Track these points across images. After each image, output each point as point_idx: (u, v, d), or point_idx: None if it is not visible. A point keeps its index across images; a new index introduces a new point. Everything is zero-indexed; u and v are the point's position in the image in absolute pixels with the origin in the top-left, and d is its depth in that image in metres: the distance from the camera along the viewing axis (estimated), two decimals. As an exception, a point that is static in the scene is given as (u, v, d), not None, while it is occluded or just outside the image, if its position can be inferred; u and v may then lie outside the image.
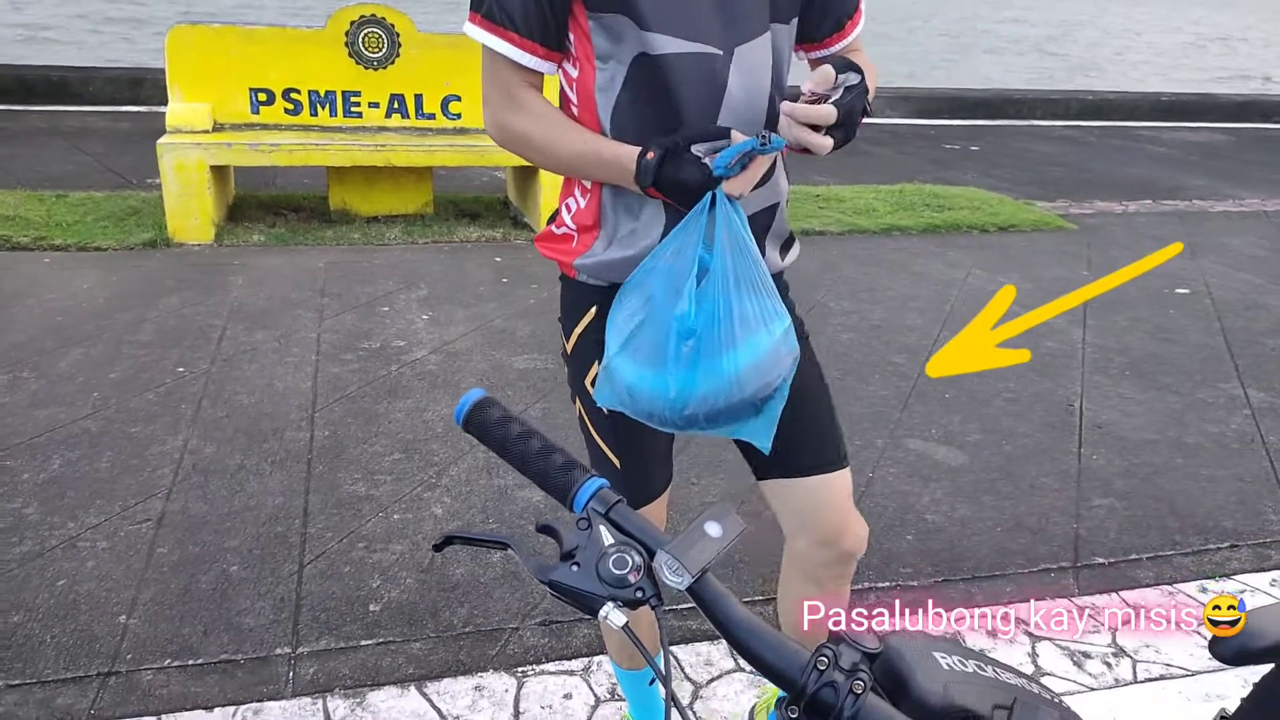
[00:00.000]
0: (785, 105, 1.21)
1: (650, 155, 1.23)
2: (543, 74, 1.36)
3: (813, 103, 1.20)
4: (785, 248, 1.54)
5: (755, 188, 1.30)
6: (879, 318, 4.02)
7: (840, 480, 1.49)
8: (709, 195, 1.22)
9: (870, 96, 1.29)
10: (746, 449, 1.49)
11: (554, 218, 1.48)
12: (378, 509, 2.49)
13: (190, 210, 4.40)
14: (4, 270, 3.96)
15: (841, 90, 1.22)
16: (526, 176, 5.07)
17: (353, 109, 4.91)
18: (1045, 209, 5.95)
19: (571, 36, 1.33)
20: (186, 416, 2.88)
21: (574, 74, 1.35)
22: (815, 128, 1.19)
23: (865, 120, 1.28)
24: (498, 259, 4.53)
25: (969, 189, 6.30)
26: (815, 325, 3.88)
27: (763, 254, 1.43)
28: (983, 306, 4.19)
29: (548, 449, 0.87)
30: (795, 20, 1.37)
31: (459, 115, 5.04)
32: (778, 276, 1.51)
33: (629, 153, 1.26)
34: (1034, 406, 3.28)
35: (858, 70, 1.25)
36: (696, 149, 1.23)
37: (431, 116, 5.01)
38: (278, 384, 3.12)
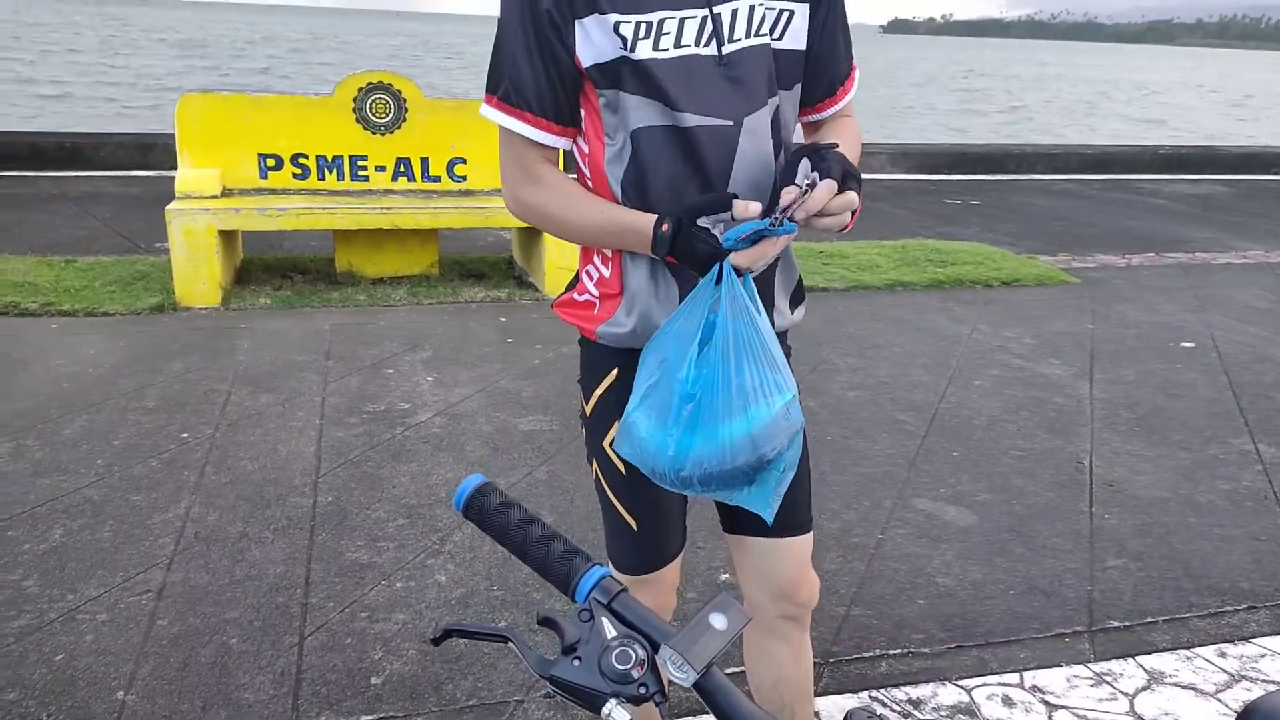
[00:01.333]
0: (796, 213, 1.23)
1: (665, 227, 1.27)
2: (557, 150, 1.40)
3: (807, 190, 1.22)
4: (795, 300, 1.54)
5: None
6: (885, 374, 4.01)
7: (804, 543, 1.55)
8: (717, 267, 1.24)
9: (853, 161, 1.33)
10: (720, 501, 1.53)
11: (574, 284, 1.50)
12: (380, 577, 2.46)
13: (198, 275, 4.44)
14: (11, 337, 3.98)
15: (814, 170, 1.24)
16: (531, 237, 5.12)
17: (359, 173, 4.98)
18: (1048, 263, 5.97)
19: (583, 113, 1.37)
20: (189, 483, 2.86)
21: (585, 149, 1.38)
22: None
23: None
24: (502, 319, 4.55)
25: (971, 244, 6.33)
26: (821, 382, 3.88)
27: (772, 305, 1.45)
28: (987, 363, 4.18)
29: (548, 536, 0.86)
30: (798, 86, 1.41)
31: (464, 177, 5.10)
32: (784, 335, 1.52)
33: (645, 222, 1.30)
34: (1043, 464, 3.26)
35: (824, 148, 1.28)
36: (702, 222, 1.26)
37: (437, 179, 5.07)
38: (281, 449, 3.11)
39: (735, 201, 1.24)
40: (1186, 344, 4.55)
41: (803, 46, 1.38)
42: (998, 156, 10.25)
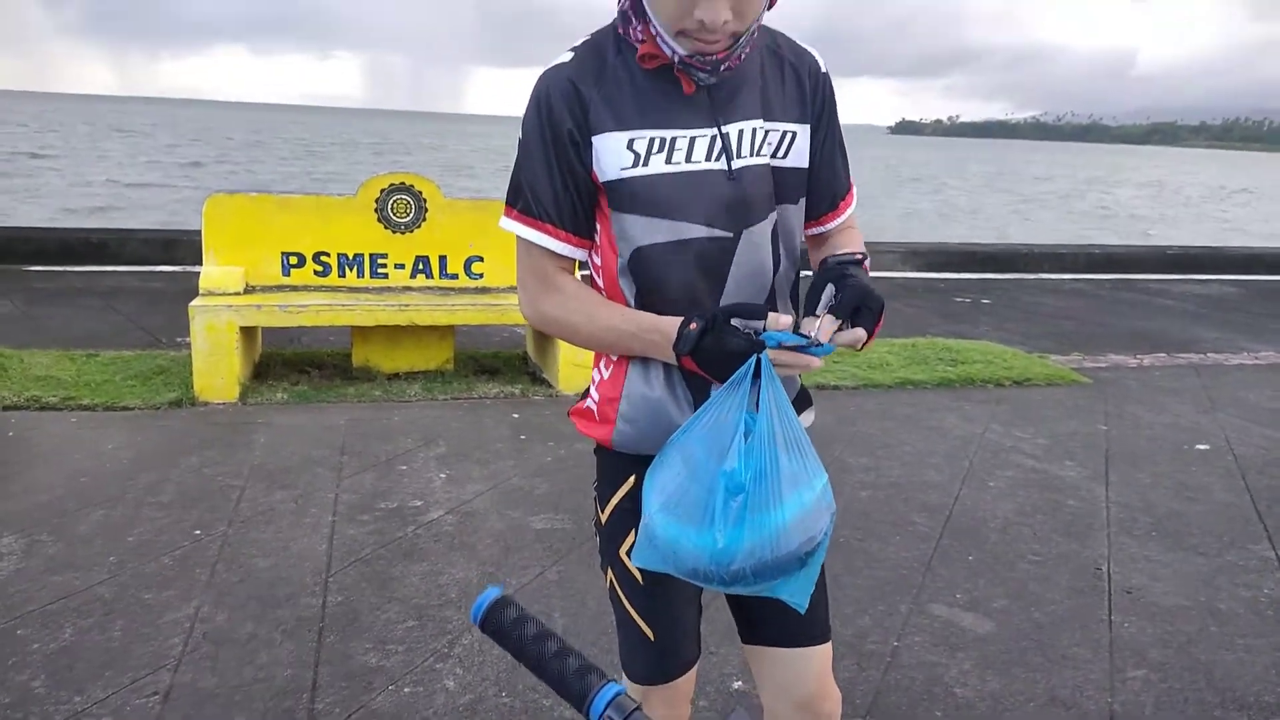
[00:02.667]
0: (824, 338, 1.29)
1: (693, 326, 1.31)
2: (574, 260, 1.46)
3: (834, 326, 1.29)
4: (799, 405, 1.57)
5: None
6: (897, 475, 3.99)
7: (824, 653, 1.55)
8: (752, 362, 1.29)
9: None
10: (738, 611, 1.56)
11: (586, 391, 1.54)
12: (388, 681, 2.43)
13: (218, 370, 4.51)
14: (32, 430, 4.03)
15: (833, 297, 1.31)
16: (545, 334, 5.19)
17: (379, 270, 5.09)
18: (1059, 362, 6.00)
19: (597, 224, 1.43)
20: (201, 582, 2.86)
21: (599, 260, 1.44)
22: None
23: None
24: (515, 415, 4.58)
25: (982, 342, 6.37)
26: (833, 482, 3.84)
27: None
28: (1001, 464, 4.17)
29: (563, 652, 0.87)
30: (802, 200, 1.48)
31: (481, 275, 5.20)
32: None
33: (670, 322, 1.34)
34: (1060, 569, 3.22)
35: (850, 278, 1.34)
36: (735, 322, 1.31)
37: (455, 276, 5.18)
38: (293, 546, 3.11)
39: (770, 315, 1.30)
40: (1201, 446, 4.53)
41: (805, 164, 1.46)
42: (1006, 256, 10.38)
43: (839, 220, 1.56)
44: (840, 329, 1.29)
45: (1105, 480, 4.05)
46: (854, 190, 1.59)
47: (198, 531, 3.17)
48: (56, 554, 2.97)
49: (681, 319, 1.33)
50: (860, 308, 1.28)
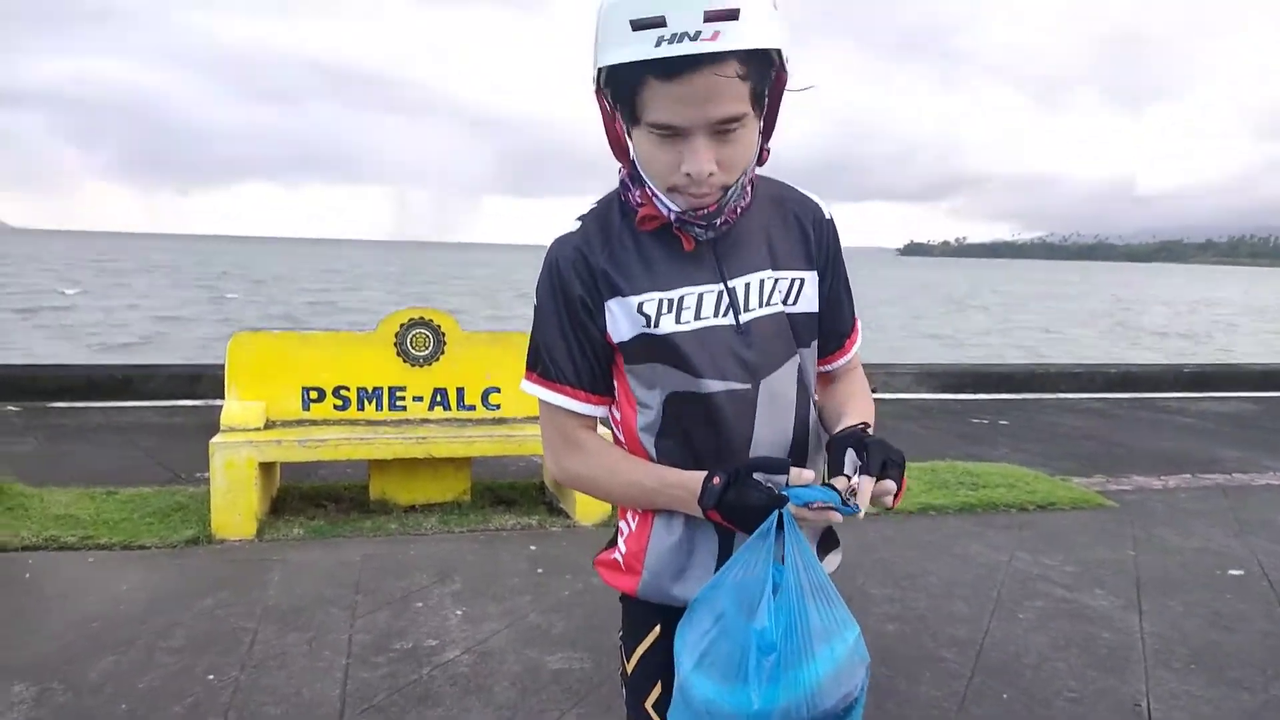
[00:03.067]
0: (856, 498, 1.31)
1: (716, 480, 1.32)
2: (595, 418, 1.50)
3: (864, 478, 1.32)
4: (824, 548, 1.56)
5: None
6: (923, 606, 3.90)
7: None
8: (774, 516, 1.29)
9: (868, 410, 1.46)
10: None
11: (612, 541, 1.54)
12: (402, 838, 2.33)
13: (235, 506, 4.50)
14: (47, 572, 4.01)
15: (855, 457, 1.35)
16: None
17: (397, 403, 5.13)
18: (1082, 485, 5.92)
19: (615, 383, 1.46)
20: (211, 730, 2.78)
21: (619, 416, 1.47)
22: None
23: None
24: (532, 547, 4.53)
25: (1003, 465, 6.31)
26: (857, 614, 3.73)
27: None
28: (1030, 593, 4.07)
29: None
30: (815, 342, 1.51)
31: (498, 406, 5.24)
32: None
33: (693, 477, 1.36)
34: (1098, 707, 3.09)
35: (866, 439, 1.38)
36: (758, 476, 1.33)
37: (472, 408, 5.21)
38: (305, 692, 3.04)
39: (792, 469, 1.31)
40: (1235, 572, 4.42)
41: (815, 309, 1.50)
42: (1022, 376, 10.39)
43: (846, 359, 1.60)
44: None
45: (1138, 609, 3.93)
46: (859, 327, 1.62)
47: (210, 676, 3.11)
48: (67, 703, 2.91)
49: (705, 473, 1.35)
50: (886, 463, 1.31)
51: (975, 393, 9.89)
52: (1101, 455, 7.06)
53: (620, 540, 1.52)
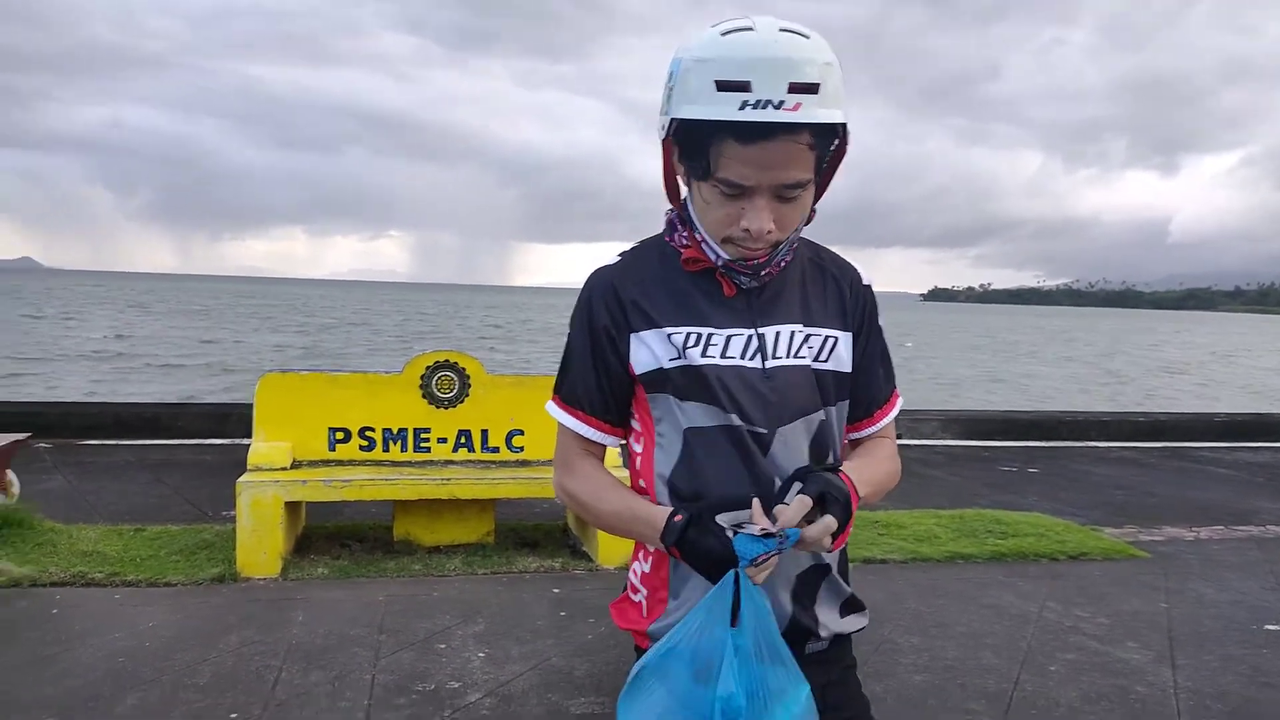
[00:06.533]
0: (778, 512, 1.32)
1: (678, 518, 1.36)
2: (604, 446, 1.54)
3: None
4: (847, 610, 1.55)
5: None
6: (951, 656, 3.83)
7: None
8: (731, 574, 1.29)
9: (867, 490, 1.43)
10: None
11: (627, 584, 1.55)
12: None
13: (261, 545, 4.52)
14: (74, 608, 4.03)
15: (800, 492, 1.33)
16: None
17: (422, 444, 5.16)
18: (1113, 535, 5.82)
19: (636, 413, 1.48)
20: (233, 770, 2.77)
21: (638, 448, 1.49)
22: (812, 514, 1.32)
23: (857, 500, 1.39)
24: (556, 590, 4.51)
25: (1032, 514, 6.22)
26: (885, 664, 3.72)
27: (814, 614, 1.46)
28: (1061, 645, 3.99)
29: None
30: (845, 403, 1.51)
31: (522, 449, 5.25)
32: (838, 638, 1.53)
33: (660, 513, 1.39)
34: (1132, 763, 3.02)
35: (816, 470, 1.38)
36: (721, 518, 1.34)
37: (496, 450, 5.23)
38: (328, 732, 3.03)
39: (755, 503, 1.33)
40: (1271, 626, 4.31)
41: (847, 369, 1.51)
42: (1050, 423, 10.28)
43: (874, 428, 1.59)
44: (809, 519, 1.29)
45: (1172, 663, 3.85)
46: (897, 400, 1.61)
47: (233, 715, 3.10)
48: (90, 740, 2.91)
49: (670, 510, 1.37)
50: (825, 495, 1.30)
51: (1003, 439, 9.79)
52: (1133, 505, 6.95)
53: (634, 579, 1.54)
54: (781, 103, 1.24)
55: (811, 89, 1.25)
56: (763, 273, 1.41)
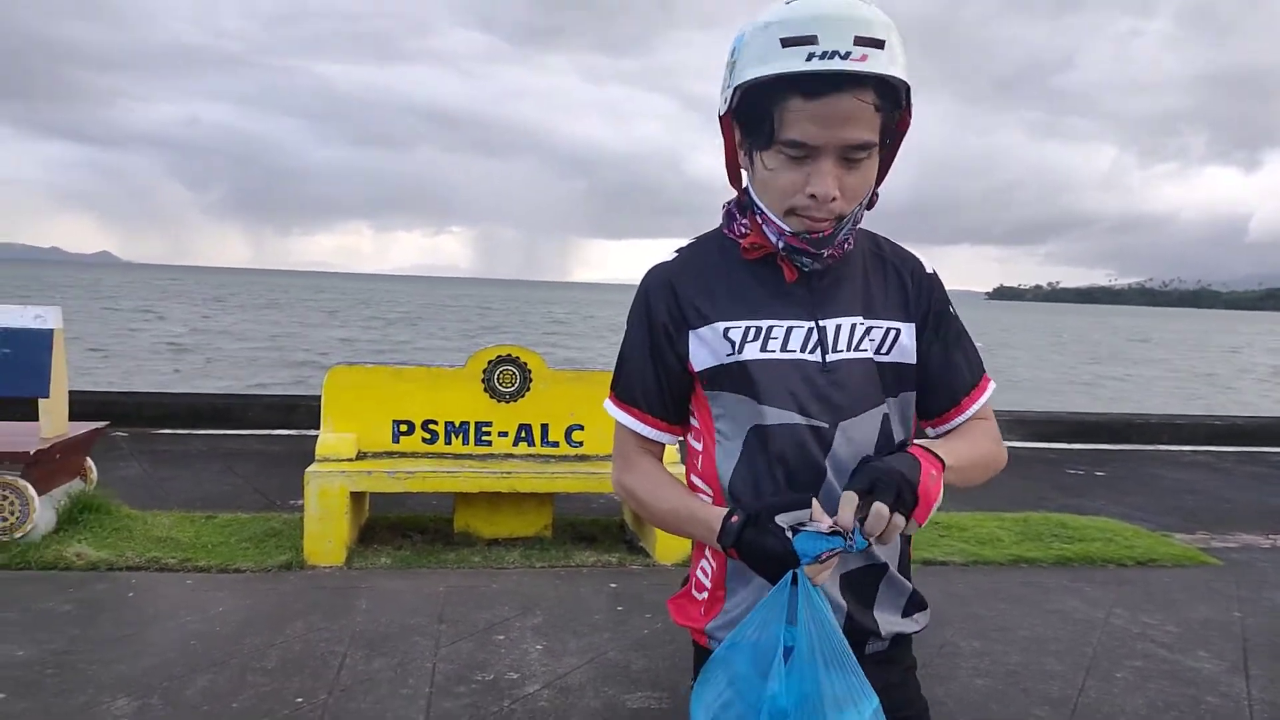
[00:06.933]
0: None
1: (735, 519, 1.33)
2: (662, 444, 1.53)
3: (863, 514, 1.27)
4: (910, 609, 1.53)
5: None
6: (1014, 661, 3.77)
7: None
8: (790, 573, 1.28)
9: (954, 459, 1.37)
10: None
11: (687, 580, 1.55)
12: None
13: (327, 534, 4.63)
14: (149, 591, 4.18)
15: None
16: (644, 503, 5.18)
17: (483, 438, 5.23)
18: (1184, 541, 5.66)
19: (695, 411, 1.48)
20: (299, 752, 2.85)
21: (698, 446, 1.49)
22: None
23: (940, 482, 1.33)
24: (613, 585, 4.53)
25: (1099, 519, 6.07)
26: (947, 667, 3.67)
27: (871, 614, 1.44)
28: (1129, 652, 3.89)
29: None
30: (910, 395, 1.49)
31: (581, 443, 5.29)
32: (899, 638, 1.50)
33: (717, 513, 1.37)
34: (1202, 775, 2.94)
35: (876, 461, 1.32)
36: (780, 519, 1.31)
37: (555, 444, 5.27)
38: (390, 717, 3.09)
39: (815, 504, 1.30)
40: (1354, 638, 4.15)
41: (911, 360, 1.47)
42: (1119, 426, 10.01)
43: (964, 416, 1.53)
44: (861, 510, 1.25)
45: (1245, 674, 3.73)
46: (987, 384, 1.56)
47: (299, 699, 3.19)
48: (164, 718, 3.01)
49: (726, 510, 1.36)
50: (876, 483, 1.26)
51: (1071, 442, 9.57)
52: (1205, 511, 6.74)
53: (702, 578, 1.53)
54: (848, 54, 1.25)
55: (877, 44, 1.26)
56: (824, 253, 1.39)
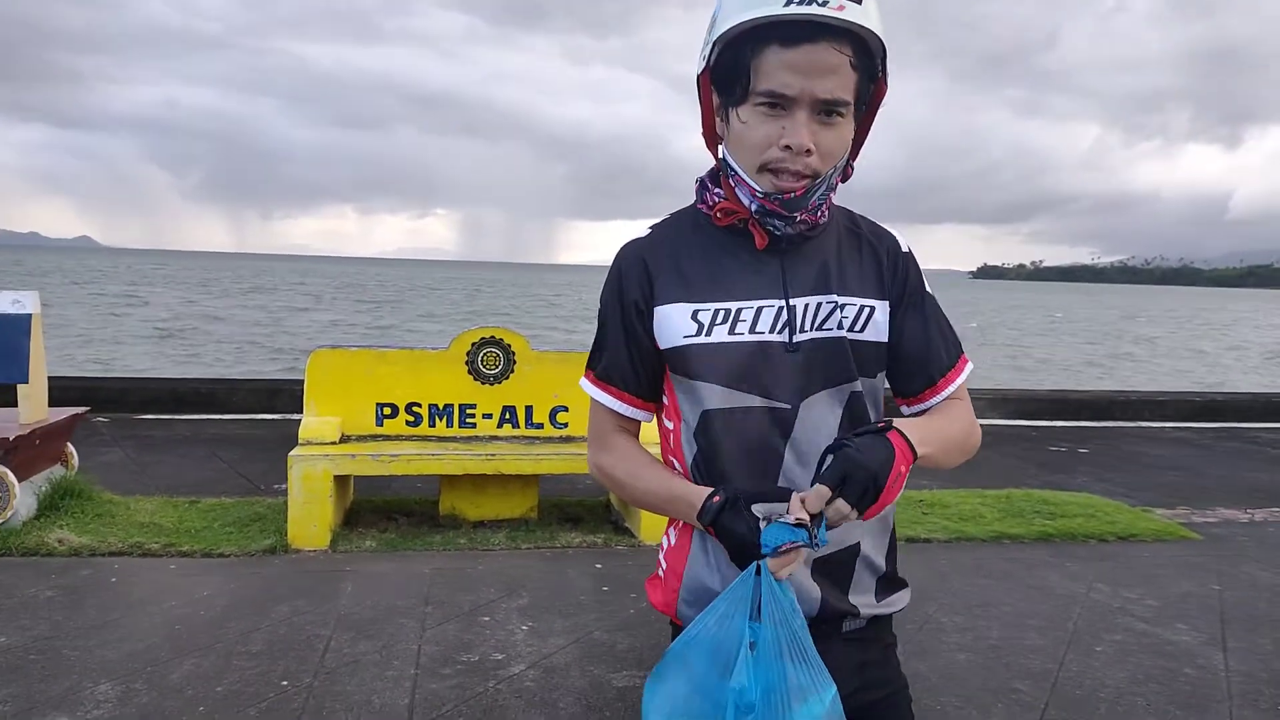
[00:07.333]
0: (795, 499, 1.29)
1: (716, 499, 1.35)
2: (637, 420, 1.54)
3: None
4: (890, 589, 1.54)
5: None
6: (996, 636, 3.80)
7: None
8: (754, 565, 1.28)
9: (928, 448, 1.34)
10: None
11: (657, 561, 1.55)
12: None
13: (311, 517, 4.62)
14: (132, 577, 4.16)
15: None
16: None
17: (468, 420, 5.22)
18: (1165, 517, 5.72)
19: (666, 391, 1.48)
20: (284, 734, 2.85)
21: (669, 425, 1.49)
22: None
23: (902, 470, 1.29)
24: (598, 565, 4.55)
25: (1081, 495, 6.13)
26: (929, 642, 3.70)
27: (847, 599, 1.45)
28: (1109, 626, 3.94)
29: None
30: (882, 374, 1.49)
31: (565, 425, 5.29)
32: (875, 620, 1.51)
33: (699, 492, 1.39)
34: (1180, 746, 2.98)
35: (843, 444, 1.29)
36: (756, 508, 1.33)
37: (540, 426, 5.27)
38: (375, 700, 3.10)
39: (794, 497, 1.29)
40: (1329, 610, 4.21)
41: (884, 339, 1.47)
42: (1102, 403, 10.09)
43: (940, 396, 1.51)
44: (832, 501, 1.24)
45: (1223, 646, 3.78)
46: (965, 364, 1.55)
47: (284, 683, 3.19)
48: (148, 703, 3.01)
49: (709, 490, 1.37)
50: (847, 478, 1.24)
51: (1053, 419, 9.64)
52: (1186, 486, 6.81)
53: (661, 555, 1.54)
54: (826, 1, 1.26)
55: None
56: (797, 216, 1.38)
